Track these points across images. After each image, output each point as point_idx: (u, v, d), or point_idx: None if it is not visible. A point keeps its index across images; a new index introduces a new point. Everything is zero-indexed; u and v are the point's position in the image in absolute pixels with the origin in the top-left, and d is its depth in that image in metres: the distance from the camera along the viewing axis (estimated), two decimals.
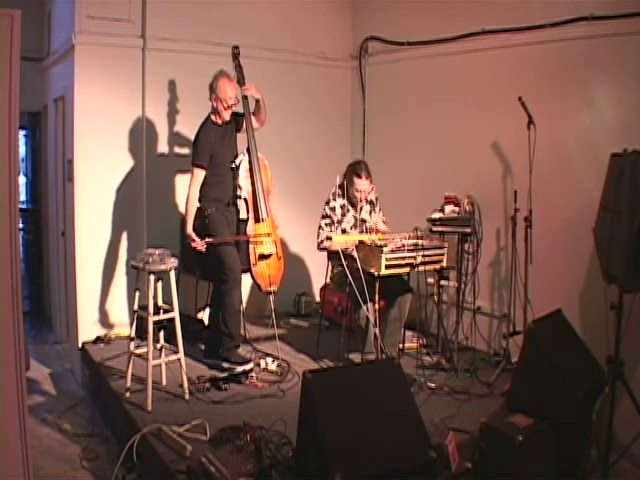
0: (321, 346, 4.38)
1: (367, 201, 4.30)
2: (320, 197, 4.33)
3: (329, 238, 4.04)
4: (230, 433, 2.95)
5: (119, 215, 4.71)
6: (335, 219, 4.18)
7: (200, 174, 3.93)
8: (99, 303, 4.69)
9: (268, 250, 4.13)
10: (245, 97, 4.13)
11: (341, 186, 4.23)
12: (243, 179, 4.12)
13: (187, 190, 3.96)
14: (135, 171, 4.74)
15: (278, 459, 2.75)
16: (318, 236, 4.19)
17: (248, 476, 2.57)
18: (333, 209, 4.19)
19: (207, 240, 3.85)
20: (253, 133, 4.16)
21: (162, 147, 4.86)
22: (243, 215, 4.22)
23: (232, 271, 3.91)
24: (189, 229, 3.90)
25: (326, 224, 4.19)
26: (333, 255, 4.07)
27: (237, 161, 4.10)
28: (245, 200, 4.15)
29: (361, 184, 4.13)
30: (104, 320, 4.71)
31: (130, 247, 4.73)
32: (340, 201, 4.21)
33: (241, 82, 4.17)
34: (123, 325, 4.71)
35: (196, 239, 3.85)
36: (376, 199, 4.36)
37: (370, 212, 4.33)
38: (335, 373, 3.07)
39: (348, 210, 4.23)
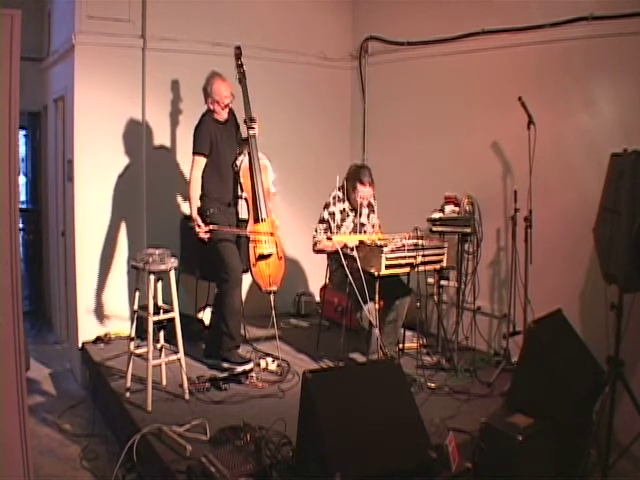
0: (321, 346, 4.38)
1: (366, 204, 4.29)
2: (320, 197, 4.32)
3: (329, 238, 4.03)
4: (230, 433, 2.95)
5: (119, 215, 4.71)
6: (334, 225, 4.15)
7: (201, 161, 3.93)
8: (99, 303, 4.69)
9: (268, 250, 4.13)
10: (253, 136, 4.11)
11: (341, 188, 4.21)
12: (243, 178, 4.12)
13: (188, 176, 3.96)
14: (135, 171, 4.74)
15: (278, 459, 2.75)
16: (313, 238, 4.17)
17: (248, 476, 2.57)
18: (332, 214, 4.15)
19: (212, 227, 3.86)
20: (256, 142, 4.16)
21: (162, 147, 4.86)
22: (243, 215, 4.22)
23: (233, 271, 3.91)
24: (194, 213, 3.90)
25: (322, 229, 4.15)
26: (332, 255, 4.07)
27: (238, 161, 4.10)
28: (246, 200, 4.16)
29: (364, 191, 4.11)
30: (104, 320, 4.71)
31: (130, 247, 4.74)
32: (340, 205, 4.19)
33: (242, 82, 4.18)
34: (123, 325, 4.71)
35: (201, 224, 3.86)
36: (374, 200, 4.35)
37: (368, 215, 4.33)
38: (335, 373, 3.07)
39: (348, 215, 4.22)
